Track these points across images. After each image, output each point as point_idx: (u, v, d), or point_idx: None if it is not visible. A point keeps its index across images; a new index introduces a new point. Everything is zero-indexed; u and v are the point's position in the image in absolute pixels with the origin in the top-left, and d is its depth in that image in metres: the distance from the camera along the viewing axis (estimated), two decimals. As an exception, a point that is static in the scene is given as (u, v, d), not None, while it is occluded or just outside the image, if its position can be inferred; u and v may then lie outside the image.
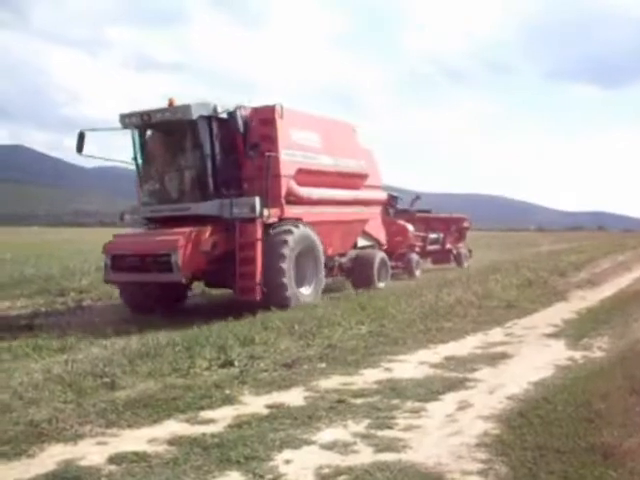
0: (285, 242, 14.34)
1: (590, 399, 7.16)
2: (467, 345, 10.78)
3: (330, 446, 5.97)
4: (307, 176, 15.75)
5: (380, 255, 19.29)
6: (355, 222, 18.42)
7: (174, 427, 6.57)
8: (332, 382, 8.35)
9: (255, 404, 7.37)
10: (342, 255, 18.36)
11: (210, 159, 14.41)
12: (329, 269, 17.17)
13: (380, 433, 6.35)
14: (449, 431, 6.43)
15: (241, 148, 14.75)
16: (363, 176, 18.64)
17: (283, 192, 15.00)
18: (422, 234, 25.84)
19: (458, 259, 28.23)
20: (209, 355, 9.39)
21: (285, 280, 14.15)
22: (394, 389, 7.93)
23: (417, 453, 5.80)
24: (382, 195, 20.38)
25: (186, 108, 14.20)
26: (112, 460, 5.63)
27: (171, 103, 14.52)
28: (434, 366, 9.24)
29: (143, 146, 15.37)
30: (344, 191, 17.56)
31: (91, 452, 5.85)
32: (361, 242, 19.31)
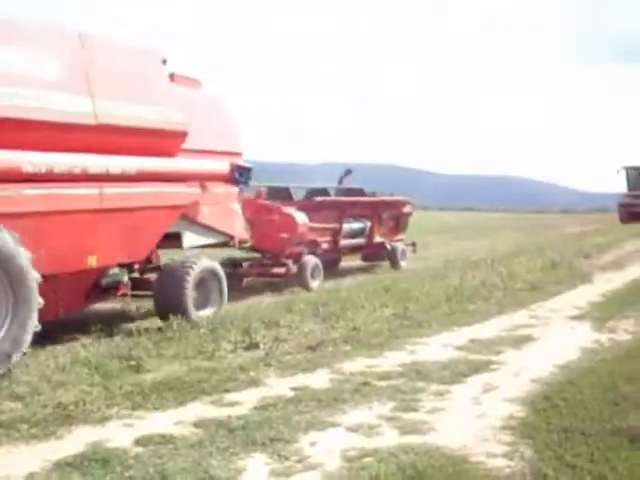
0: None
1: (616, 382, 7.15)
2: (492, 327, 10.72)
3: (355, 428, 5.99)
4: (12, 131, 8.31)
5: (202, 265, 11.15)
6: (155, 209, 10.48)
7: (200, 409, 6.61)
8: (357, 365, 8.34)
9: (280, 386, 7.39)
10: (144, 264, 11.27)
11: None
12: (103, 290, 10.62)
13: (405, 416, 6.35)
14: (474, 414, 6.43)
15: None
16: (175, 135, 10.85)
17: None
18: (331, 225, 17.58)
19: (392, 256, 19.78)
20: (234, 338, 9.43)
21: None
22: (419, 372, 7.92)
23: (442, 436, 5.79)
24: (221, 166, 12.08)
25: None
26: (139, 442, 5.67)
27: None
28: (459, 348, 9.22)
29: None
30: (123, 158, 9.89)
31: (118, 434, 5.90)
32: (194, 240, 11.59)
